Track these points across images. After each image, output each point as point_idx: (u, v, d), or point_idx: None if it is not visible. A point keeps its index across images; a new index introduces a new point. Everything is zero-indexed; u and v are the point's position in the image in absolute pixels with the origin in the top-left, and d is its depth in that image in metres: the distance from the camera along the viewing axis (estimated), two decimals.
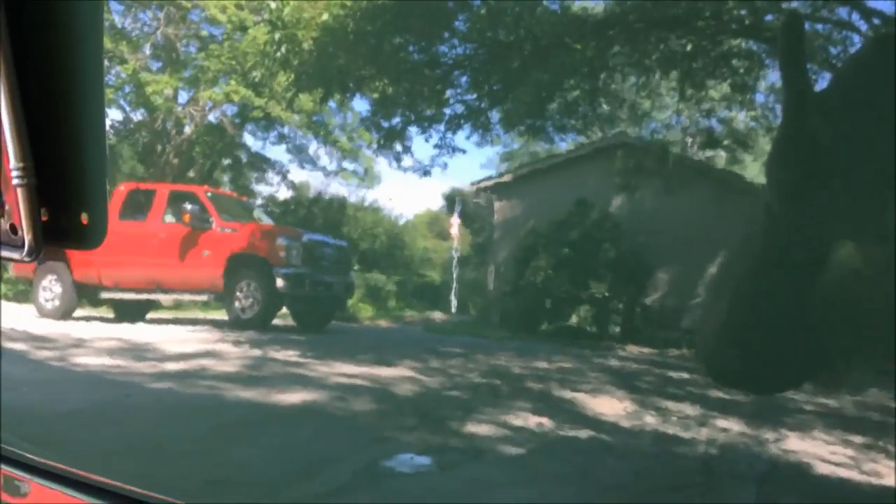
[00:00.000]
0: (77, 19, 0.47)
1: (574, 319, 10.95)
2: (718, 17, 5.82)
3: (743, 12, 6.23)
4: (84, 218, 0.50)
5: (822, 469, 4.15)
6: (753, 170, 8.87)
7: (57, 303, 9.23)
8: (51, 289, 9.24)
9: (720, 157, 9.00)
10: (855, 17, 6.42)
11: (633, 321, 10.88)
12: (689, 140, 8.36)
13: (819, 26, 6.81)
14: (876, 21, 7.33)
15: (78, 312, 9.49)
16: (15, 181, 0.47)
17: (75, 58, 0.49)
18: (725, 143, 8.28)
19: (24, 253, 0.51)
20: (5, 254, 0.52)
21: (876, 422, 5.51)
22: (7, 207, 0.48)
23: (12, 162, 0.46)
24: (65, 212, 0.50)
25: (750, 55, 7.16)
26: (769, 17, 6.55)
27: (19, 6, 0.46)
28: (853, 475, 4.01)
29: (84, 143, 0.49)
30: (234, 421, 4.48)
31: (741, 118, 8.05)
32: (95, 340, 7.12)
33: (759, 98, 7.64)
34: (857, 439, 4.86)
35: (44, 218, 0.46)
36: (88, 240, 0.51)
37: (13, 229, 0.50)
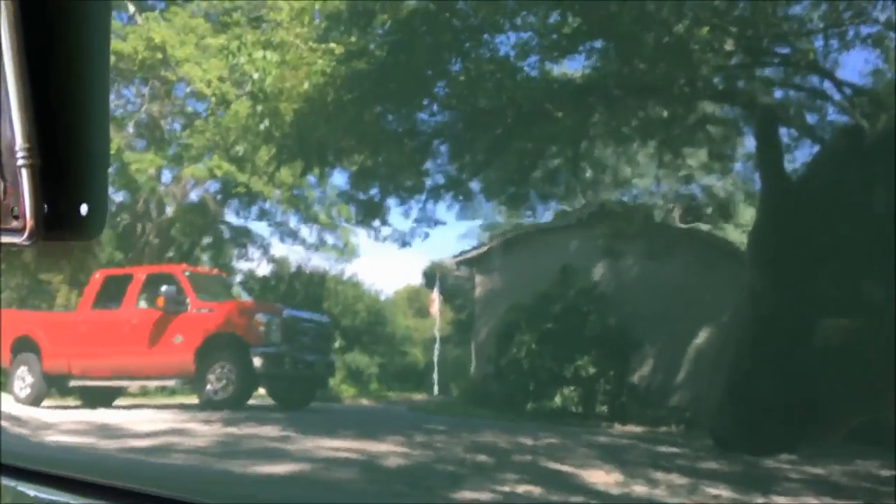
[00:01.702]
0: (85, 13, 0.49)
1: (558, 399, 10.78)
2: (693, 84, 5.97)
3: (716, 79, 6.41)
4: (83, 209, 0.50)
5: None
6: (735, 235, 8.96)
7: (29, 391, 9.50)
8: (23, 378, 9.62)
9: (702, 224, 9.09)
10: (827, 85, 6.62)
11: (621, 400, 10.72)
12: (671, 207, 8.46)
13: (792, 93, 7.02)
14: (847, 91, 7.59)
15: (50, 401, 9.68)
16: (20, 161, 0.47)
17: (82, 51, 0.49)
18: (708, 210, 8.39)
19: (25, 237, 0.49)
20: (5, 239, 0.50)
21: (863, 488, 5.45)
22: (9, 190, 0.48)
23: (18, 142, 0.47)
24: (65, 202, 0.49)
25: (725, 122, 7.33)
26: (741, 84, 6.75)
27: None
28: None
29: (87, 135, 0.50)
30: (212, 488, 4.30)
31: (720, 185, 8.19)
32: (64, 423, 7.12)
33: (737, 166, 7.80)
34: None
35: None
36: (86, 231, 0.52)
37: (14, 214, 0.49)
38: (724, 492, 4.99)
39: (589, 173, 8.32)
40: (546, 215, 12.11)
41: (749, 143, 8.15)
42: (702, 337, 10.43)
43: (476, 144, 6.78)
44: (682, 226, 8.92)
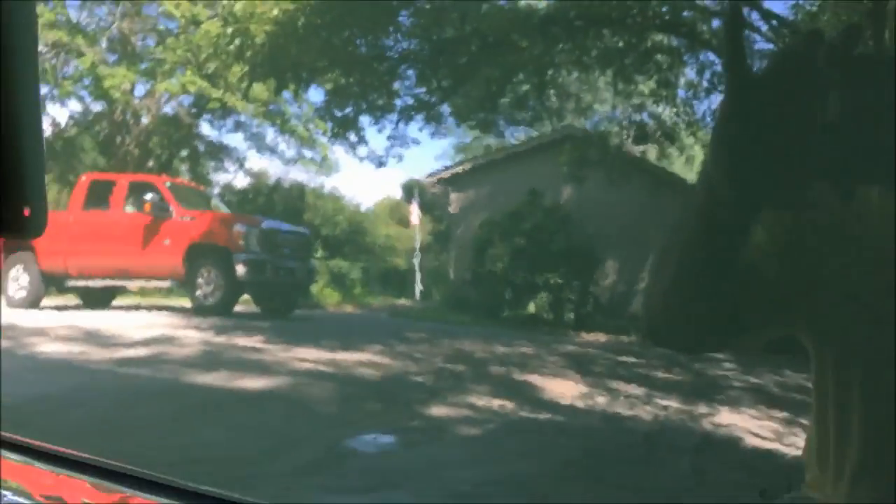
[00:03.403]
0: (10, 14, 0.51)
1: (532, 307, 11.19)
2: (644, 14, 6.07)
3: (664, 9, 6.49)
4: (26, 211, 0.54)
5: (750, 441, 4.47)
6: (679, 164, 9.24)
7: (24, 293, 9.27)
8: (18, 279, 9.30)
9: (653, 152, 9.29)
10: (755, 16, 6.70)
11: (586, 309, 11.17)
12: (625, 133, 8.63)
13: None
14: (773, 23, 7.67)
15: (47, 301, 9.52)
16: None
17: (7, 56, 0.51)
18: (657, 135, 8.56)
19: None
20: None
21: (794, 400, 5.87)
22: None
23: None
24: (7, 206, 0.54)
25: (671, 51, 7.42)
26: (686, 14, 6.82)
27: None
28: (775, 446, 4.33)
29: (22, 142, 0.53)
30: (199, 403, 4.60)
31: (666, 113, 8.34)
32: (61, 329, 7.10)
33: (681, 94, 7.95)
34: (778, 413, 5.22)
35: None
36: (31, 230, 0.56)
37: None
38: (674, 402, 5.42)
39: (555, 100, 8.44)
40: (514, 139, 12.18)
41: (690, 73, 8.28)
42: (653, 252, 10.74)
43: (442, 71, 6.87)
44: (636, 152, 9.10)
